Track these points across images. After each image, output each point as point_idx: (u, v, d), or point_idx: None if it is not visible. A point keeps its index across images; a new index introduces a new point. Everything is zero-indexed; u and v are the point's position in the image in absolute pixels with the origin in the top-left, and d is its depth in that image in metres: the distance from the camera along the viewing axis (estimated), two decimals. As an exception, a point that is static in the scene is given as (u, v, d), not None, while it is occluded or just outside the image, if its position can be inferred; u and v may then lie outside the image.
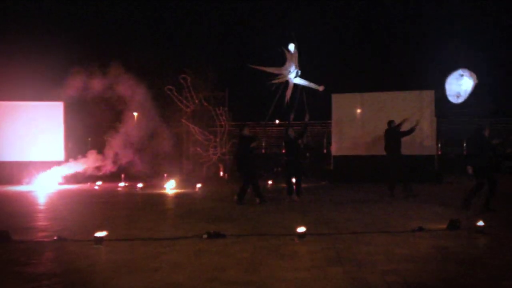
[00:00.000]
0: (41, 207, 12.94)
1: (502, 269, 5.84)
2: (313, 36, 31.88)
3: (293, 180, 13.47)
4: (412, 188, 13.69)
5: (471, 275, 5.58)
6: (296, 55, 14.15)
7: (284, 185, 13.26)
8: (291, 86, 14.45)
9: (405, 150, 17.53)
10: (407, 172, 13.87)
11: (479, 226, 7.97)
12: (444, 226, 8.42)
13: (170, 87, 20.83)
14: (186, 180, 19.75)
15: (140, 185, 17.72)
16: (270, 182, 18.11)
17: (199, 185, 17.14)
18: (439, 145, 21.88)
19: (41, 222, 9.99)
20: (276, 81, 14.44)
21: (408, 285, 5.17)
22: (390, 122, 14.32)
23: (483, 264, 6.15)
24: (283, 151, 16.43)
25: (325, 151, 24.42)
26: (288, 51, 14.26)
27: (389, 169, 14.00)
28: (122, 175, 20.33)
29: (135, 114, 25.99)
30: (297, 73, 14.26)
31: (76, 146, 21.40)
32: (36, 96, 20.55)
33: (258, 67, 14.58)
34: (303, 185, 14.19)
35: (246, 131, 13.26)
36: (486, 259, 6.42)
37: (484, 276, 5.57)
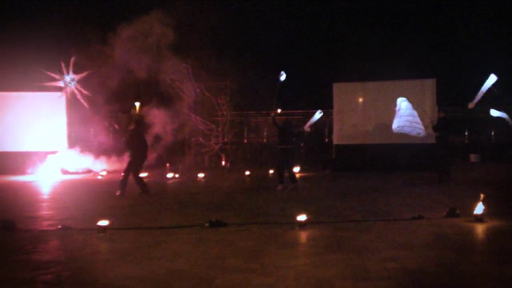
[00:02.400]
0: (45, 197, 13.06)
1: (498, 255, 5.92)
2: (315, 24, 31.81)
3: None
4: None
5: (468, 261, 5.67)
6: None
7: (287, 174, 13.27)
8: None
9: (406, 139, 17.63)
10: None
11: (478, 215, 8.05)
12: (444, 214, 8.50)
13: (172, 76, 20.86)
14: (188, 170, 19.84)
15: (143, 174, 17.80)
16: (271, 171, 18.18)
17: (201, 175, 17.22)
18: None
19: (45, 212, 10.11)
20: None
21: (407, 271, 5.27)
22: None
23: (480, 251, 6.25)
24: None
25: (326, 140, 24.43)
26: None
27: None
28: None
29: (137, 104, 26.06)
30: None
31: (79, 136, 21.46)
32: (39, 86, 20.60)
33: None
34: (306, 174, 14.27)
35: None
36: (483, 246, 6.52)
37: (481, 262, 5.67)
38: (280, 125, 13.61)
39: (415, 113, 14.83)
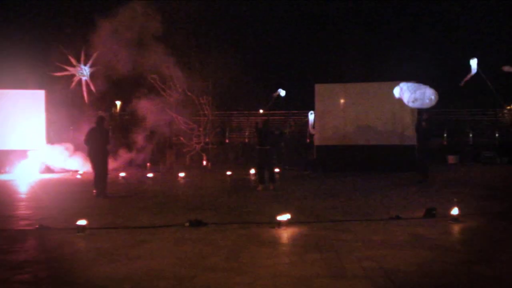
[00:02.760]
0: (23, 196, 12.97)
1: (473, 254, 6.06)
2: (295, 26, 31.98)
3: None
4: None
5: (443, 260, 5.79)
6: None
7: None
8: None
9: (385, 140, 17.86)
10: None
11: (454, 215, 8.19)
12: (421, 214, 8.64)
13: (154, 76, 20.78)
14: (169, 169, 19.82)
15: (122, 174, 17.75)
16: (252, 171, 18.24)
17: (182, 174, 17.21)
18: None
19: (23, 211, 10.05)
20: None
21: (383, 270, 5.36)
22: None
23: (456, 250, 6.37)
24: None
25: (308, 140, 24.55)
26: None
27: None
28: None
29: (118, 103, 25.97)
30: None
31: (58, 134, 21.28)
32: (18, 84, 20.41)
33: None
34: (287, 175, 14.35)
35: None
36: (458, 246, 6.65)
37: (456, 261, 5.79)
38: (259, 127, 13.69)
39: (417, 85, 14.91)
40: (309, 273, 5.32)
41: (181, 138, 21.97)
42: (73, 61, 20.20)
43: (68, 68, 20.25)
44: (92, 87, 20.39)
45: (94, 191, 12.10)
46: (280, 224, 7.80)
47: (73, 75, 20.47)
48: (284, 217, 7.89)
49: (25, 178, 17.14)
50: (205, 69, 21.05)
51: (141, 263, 5.77)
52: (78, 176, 17.98)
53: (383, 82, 19.80)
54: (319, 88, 19.90)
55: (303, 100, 22.95)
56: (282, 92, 14.90)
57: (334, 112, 19.37)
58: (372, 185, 14.33)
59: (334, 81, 20.87)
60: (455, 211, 8.25)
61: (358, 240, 6.88)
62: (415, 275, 5.20)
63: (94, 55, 20.00)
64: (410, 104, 14.61)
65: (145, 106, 19.89)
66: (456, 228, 7.77)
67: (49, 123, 20.51)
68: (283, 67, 30.59)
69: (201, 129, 21.91)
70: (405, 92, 14.47)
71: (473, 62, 13.03)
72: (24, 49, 22.26)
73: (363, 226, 7.98)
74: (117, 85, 20.40)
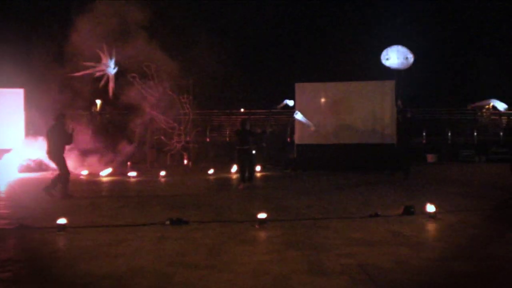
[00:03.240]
0: (1, 195, 12.85)
1: (450, 251, 6.18)
2: (273, 26, 32.04)
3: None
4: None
5: (421, 257, 5.90)
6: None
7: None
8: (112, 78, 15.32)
9: (365, 139, 18.06)
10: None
11: (431, 212, 8.34)
12: (399, 212, 8.77)
13: (134, 74, 20.70)
14: (149, 168, 19.78)
15: (103, 173, 17.67)
16: (233, 170, 18.27)
17: (163, 173, 17.20)
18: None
19: (2, 210, 9.97)
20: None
21: (361, 266, 5.46)
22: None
23: (433, 247, 6.49)
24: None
25: (289, 139, 24.66)
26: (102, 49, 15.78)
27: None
28: (84, 163, 20.20)
29: (98, 101, 25.79)
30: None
31: (38, 134, 21.09)
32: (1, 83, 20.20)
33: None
34: (268, 174, 14.42)
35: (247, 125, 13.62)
36: (435, 242, 6.77)
37: (433, 258, 5.90)
38: (238, 128, 13.81)
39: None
40: (288, 270, 5.39)
41: (162, 137, 21.90)
42: (103, 57, 19.83)
43: (96, 64, 19.93)
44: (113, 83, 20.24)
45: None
46: (260, 222, 7.86)
47: (100, 71, 20.17)
48: (264, 215, 7.96)
49: (3, 178, 16.97)
50: (186, 67, 21.01)
51: (122, 260, 5.80)
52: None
53: (363, 82, 20.01)
54: (299, 87, 20.00)
55: (283, 99, 23.03)
56: (290, 102, 15.15)
57: (314, 111, 19.46)
58: (352, 183, 14.47)
59: (314, 80, 20.95)
60: (432, 208, 8.40)
61: (337, 237, 6.98)
62: (393, 271, 5.30)
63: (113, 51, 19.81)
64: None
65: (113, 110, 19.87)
66: (433, 225, 7.91)
67: (29, 122, 20.35)
68: (264, 65, 30.63)
69: (182, 127, 21.85)
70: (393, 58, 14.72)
71: None
72: (3, 47, 22.01)
73: (342, 223, 8.08)
74: (96, 82, 20.26)
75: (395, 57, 14.96)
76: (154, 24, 19.66)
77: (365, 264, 5.57)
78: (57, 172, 11.93)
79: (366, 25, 32.36)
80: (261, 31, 30.19)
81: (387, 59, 15.15)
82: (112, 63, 20.11)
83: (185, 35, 20.83)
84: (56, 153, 11.76)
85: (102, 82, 20.24)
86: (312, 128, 14.82)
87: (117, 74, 20.17)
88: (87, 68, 19.76)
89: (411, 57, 14.99)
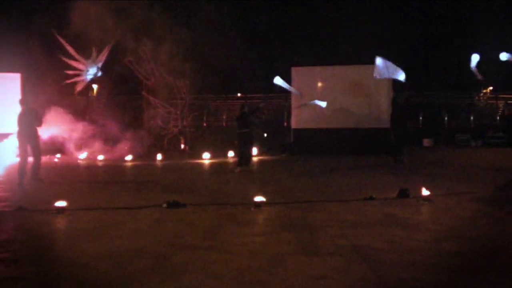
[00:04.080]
0: (0, 179, 12.92)
1: (442, 233, 6.28)
2: (273, 7, 31.95)
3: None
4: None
5: (414, 238, 6.00)
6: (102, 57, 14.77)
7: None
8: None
9: (361, 123, 18.16)
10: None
11: (426, 195, 8.45)
12: (394, 195, 8.88)
13: (130, 59, 20.70)
14: (147, 153, 19.85)
15: (101, 157, 17.76)
16: (230, 154, 18.36)
17: (160, 157, 17.29)
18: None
19: (1, 193, 10.05)
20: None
21: (355, 247, 5.56)
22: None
23: (426, 229, 6.60)
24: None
25: (285, 124, 24.75)
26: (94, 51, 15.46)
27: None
28: (82, 147, 20.28)
29: (95, 86, 25.78)
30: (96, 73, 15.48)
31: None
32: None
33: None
34: (264, 158, 14.54)
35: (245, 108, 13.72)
36: (429, 224, 6.87)
37: (426, 239, 6.01)
38: (237, 115, 13.98)
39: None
40: (283, 250, 5.49)
41: (159, 122, 21.95)
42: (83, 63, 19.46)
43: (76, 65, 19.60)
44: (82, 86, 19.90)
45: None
46: (256, 204, 7.97)
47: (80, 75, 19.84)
48: (260, 198, 8.06)
49: (1, 162, 17.03)
50: (182, 51, 21.00)
51: (120, 242, 5.89)
52: (55, 160, 17.94)
53: (360, 65, 20.02)
54: (296, 71, 20.05)
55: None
56: (323, 104, 15.30)
57: (311, 96, 19.51)
58: (347, 167, 14.59)
59: (311, 64, 20.97)
60: (427, 191, 8.51)
61: (332, 219, 7.08)
62: (386, 251, 5.40)
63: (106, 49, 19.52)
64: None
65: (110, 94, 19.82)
66: (428, 207, 8.02)
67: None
68: (261, 49, 30.58)
69: (178, 112, 21.90)
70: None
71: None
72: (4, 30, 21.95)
73: (337, 206, 8.18)
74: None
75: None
76: (150, 8, 19.60)
77: (359, 245, 5.67)
78: (33, 159, 11.72)
79: (363, 9, 32.29)
80: (258, 15, 30.14)
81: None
82: (93, 69, 19.69)
83: (181, 19, 20.74)
84: (24, 138, 11.57)
85: (79, 88, 19.98)
86: (295, 92, 14.85)
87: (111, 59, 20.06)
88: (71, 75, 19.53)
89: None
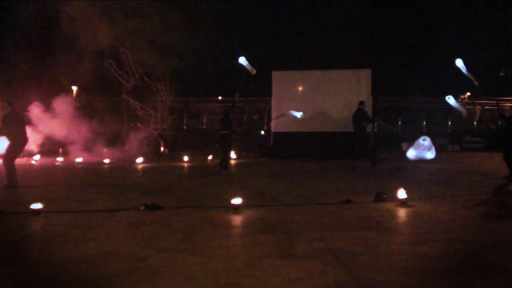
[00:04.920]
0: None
1: (418, 236, 6.34)
2: (253, 13, 32.00)
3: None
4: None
5: (390, 241, 6.05)
6: None
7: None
8: None
9: (341, 128, 18.28)
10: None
11: (402, 199, 8.51)
12: (371, 198, 8.93)
13: (110, 61, 20.56)
14: (126, 155, 19.71)
15: (79, 159, 17.60)
16: (209, 157, 18.32)
17: (139, 160, 17.18)
18: (375, 122, 22.55)
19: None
20: None
21: (332, 250, 5.58)
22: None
23: (402, 232, 6.66)
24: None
25: (265, 127, 24.77)
26: None
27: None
28: (60, 150, 20.08)
29: (74, 88, 25.57)
30: None
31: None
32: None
33: None
34: (244, 161, 14.55)
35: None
36: (405, 228, 6.94)
37: (402, 242, 6.07)
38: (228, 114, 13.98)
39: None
40: (260, 253, 5.49)
41: (138, 124, 21.83)
42: None
43: None
44: None
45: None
46: (234, 207, 7.96)
47: None
48: (239, 201, 8.05)
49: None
50: (162, 54, 20.93)
51: (95, 244, 5.84)
52: (33, 162, 17.74)
53: (340, 70, 20.15)
54: (276, 74, 20.10)
55: (259, 86, 23.07)
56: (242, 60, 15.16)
57: (291, 99, 19.58)
58: (326, 171, 14.66)
59: (291, 68, 21.03)
60: (404, 195, 8.57)
61: (310, 222, 7.09)
62: (362, 254, 5.43)
63: None
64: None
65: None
66: (404, 211, 8.08)
67: (3, 110, 20.14)
68: (241, 52, 30.56)
69: (158, 115, 21.79)
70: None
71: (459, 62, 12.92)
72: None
73: (315, 209, 8.21)
74: (72, 68, 20.06)
75: None
76: (130, 8, 19.50)
77: (335, 248, 5.69)
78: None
79: (343, 13, 32.49)
80: (238, 18, 30.13)
81: None
82: None
83: (162, 21, 20.65)
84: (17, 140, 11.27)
85: None
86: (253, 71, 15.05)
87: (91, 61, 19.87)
88: None
89: None
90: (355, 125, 16.60)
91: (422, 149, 17.27)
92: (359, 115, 16.56)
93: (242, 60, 14.71)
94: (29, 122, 11.70)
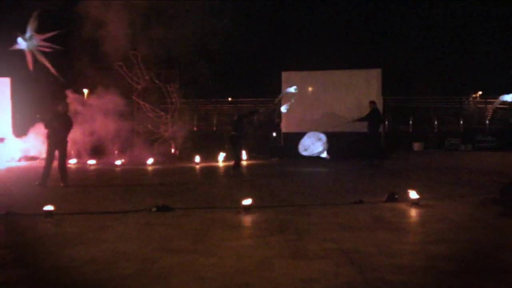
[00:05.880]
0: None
1: (429, 235, 6.30)
2: (263, 12, 32.01)
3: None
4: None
5: (402, 241, 6.02)
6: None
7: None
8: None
9: (351, 127, 18.19)
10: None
11: (415, 199, 8.47)
12: (383, 198, 8.89)
13: (120, 63, 20.63)
14: (136, 157, 19.76)
15: (91, 161, 17.68)
16: (220, 158, 18.31)
17: (150, 162, 17.23)
18: (386, 122, 22.48)
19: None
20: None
21: (343, 250, 5.56)
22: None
23: (414, 232, 6.63)
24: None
25: (276, 124, 24.75)
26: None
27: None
28: (72, 152, 20.17)
29: (85, 90, 25.68)
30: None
31: (24, 123, 20.99)
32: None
33: None
34: (254, 162, 14.57)
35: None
36: (417, 228, 6.90)
37: (414, 242, 6.04)
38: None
39: None
40: (271, 254, 5.48)
41: (149, 126, 21.88)
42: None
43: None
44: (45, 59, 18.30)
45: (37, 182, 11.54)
46: (245, 208, 7.95)
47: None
48: (249, 201, 8.05)
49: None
50: (172, 55, 21.00)
51: (106, 246, 5.86)
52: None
53: (349, 70, 20.10)
54: (286, 75, 20.06)
55: (270, 87, 23.07)
56: (291, 89, 15.60)
57: (300, 100, 19.53)
58: (337, 171, 14.62)
59: (301, 68, 20.99)
60: (416, 195, 8.53)
61: (321, 223, 7.07)
62: (374, 255, 5.41)
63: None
64: None
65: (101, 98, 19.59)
66: (416, 211, 8.04)
67: (15, 111, 20.28)
68: (250, 54, 30.60)
69: (168, 116, 21.84)
70: None
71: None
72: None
73: (326, 210, 8.18)
74: (82, 71, 20.11)
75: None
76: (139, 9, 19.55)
77: (347, 248, 5.67)
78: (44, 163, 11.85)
79: (353, 13, 32.43)
80: (248, 18, 30.16)
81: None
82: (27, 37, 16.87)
83: (172, 22, 20.69)
84: (54, 142, 11.68)
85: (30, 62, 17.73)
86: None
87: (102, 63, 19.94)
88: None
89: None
90: (375, 125, 16.37)
91: (316, 142, 17.01)
92: (377, 115, 16.42)
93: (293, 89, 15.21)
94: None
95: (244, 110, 14.18)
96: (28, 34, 15.52)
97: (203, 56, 22.46)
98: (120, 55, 19.95)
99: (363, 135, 17.42)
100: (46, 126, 11.72)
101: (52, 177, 12.22)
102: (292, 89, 16.83)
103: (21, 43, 16.11)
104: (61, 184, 11.61)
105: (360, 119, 16.69)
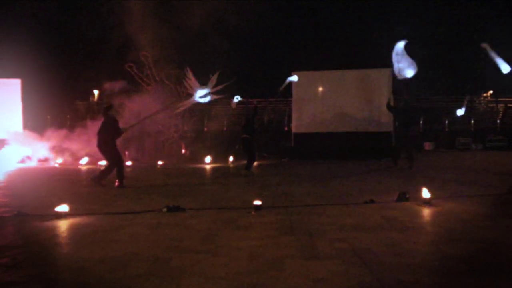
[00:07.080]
0: (0, 184, 12.92)
1: (441, 235, 6.27)
2: (272, 13, 31.99)
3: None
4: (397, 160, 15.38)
5: (413, 241, 5.98)
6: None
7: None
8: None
9: (362, 127, 18.15)
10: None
11: (426, 198, 8.42)
12: (394, 198, 8.86)
13: (131, 64, 20.73)
14: (148, 157, 19.85)
15: (101, 162, 17.75)
16: (230, 158, 18.34)
17: (160, 162, 17.28)
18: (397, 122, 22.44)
19: (1, 199, 10.04)
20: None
21: (355, 251, 5.53)
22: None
23: (425, 232, 6.58)
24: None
25: (286, 128, 24.75)
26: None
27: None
28: (83, 153, 20.27)
29: (96, 92, 25.83)
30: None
31: (35, 124, 21.15)
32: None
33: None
34: (265, 162, 14.57)
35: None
36: (428, 227, 6.85)
37: (425, 242, 6.00)
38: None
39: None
40: (282, 254, 5.46)
41: (159, 126, 21.95)
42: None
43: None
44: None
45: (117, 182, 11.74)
46: (255, 208, 7.95)
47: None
48: (260, 202, 8.05)
49: (2, 167, 17.04)
50: (183, 57, 21.05)
51: (118, 246, 5.87)
52: (56, 165, 17.94)
53: (359, 70, 20.09)
54: (296, 75, 20.05)
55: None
56: (294, 78, 15.47)
57: (311, 100, 19.56)
58: (348, 171, 14.58)
59: (311, 68, 20.99)
60: (427, 194, 8.48)
61: (332, 223, 7.05)
62: (385, 254, 5.38)
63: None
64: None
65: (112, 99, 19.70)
66: (427, 211, 7.99)
67: (26, 112, 20.42)
68: (260, 54, 30.64)
69: (179, 117, 21.91)
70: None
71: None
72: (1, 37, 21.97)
73: (337, 210, 8.15)
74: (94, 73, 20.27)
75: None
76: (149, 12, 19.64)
77: (358, 248, 5.64)
78: (107, 164, 12.08)
79: (363, 13, 32.33)
80: (259, 19, 30.15)
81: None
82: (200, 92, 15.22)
83: (182, 24, 20.75)
84: (107, 145, 11.78)
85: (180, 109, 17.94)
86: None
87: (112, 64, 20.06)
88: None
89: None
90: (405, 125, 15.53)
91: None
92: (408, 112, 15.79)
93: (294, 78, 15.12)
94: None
95: (250, 113, 14.09)
96: (205, 92, 15.45)
97: (215, 57, 22.46)
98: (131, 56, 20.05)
99: (375, 135, 17.41)
100: (120, 133, 12.00)
101: (65, 178, 12.32)
102: (293, 78, 16.65)
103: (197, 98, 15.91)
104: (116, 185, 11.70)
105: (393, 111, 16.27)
